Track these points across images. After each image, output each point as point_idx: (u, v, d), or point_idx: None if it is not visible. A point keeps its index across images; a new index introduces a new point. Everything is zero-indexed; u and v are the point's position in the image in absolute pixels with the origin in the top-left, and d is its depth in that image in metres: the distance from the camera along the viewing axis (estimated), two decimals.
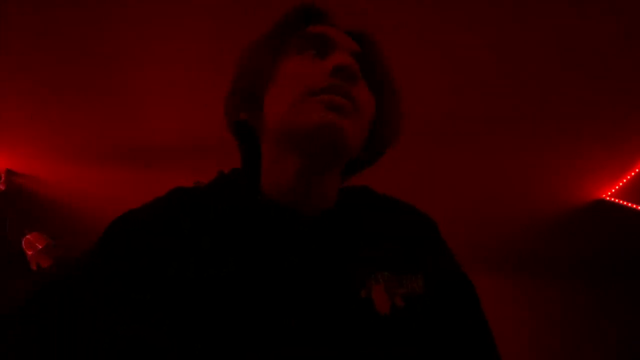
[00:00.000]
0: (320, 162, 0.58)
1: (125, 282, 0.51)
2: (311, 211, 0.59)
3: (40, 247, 2.48)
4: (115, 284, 0.51)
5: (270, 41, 0.62)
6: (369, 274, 0.55)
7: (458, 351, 0.56)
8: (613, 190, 2.62)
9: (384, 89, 0.65)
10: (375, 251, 0.58)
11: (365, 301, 0.52)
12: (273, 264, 0.53)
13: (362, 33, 0.67)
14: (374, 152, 0.66)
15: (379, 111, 0.63)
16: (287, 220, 0.57)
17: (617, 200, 2.65)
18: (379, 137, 0.64)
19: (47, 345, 0.48)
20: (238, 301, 0.50)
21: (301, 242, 0.56)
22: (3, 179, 2.53)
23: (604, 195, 2.67)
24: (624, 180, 2.53)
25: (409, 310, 0.54)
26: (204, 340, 0.48)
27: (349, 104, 0.55)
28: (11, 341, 0.49)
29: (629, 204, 2.63)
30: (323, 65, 0.58)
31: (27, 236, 2.51)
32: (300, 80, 0.57)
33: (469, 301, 0.61)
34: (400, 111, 0.67)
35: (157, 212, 0.59)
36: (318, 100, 0.54)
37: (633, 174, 2.46)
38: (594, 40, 1.68)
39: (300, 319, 0.50)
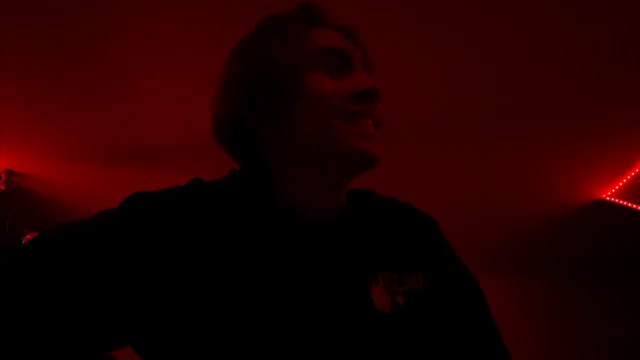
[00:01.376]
0: (349, 178, 0.61)
1: (133, 262, 0.51)
2: (324, 215, 0.61)
3: None
4: (123, 262, 0.51)
5: (289, 50, 0.60)
6: (371, 275, 0.56)
7: (463, 345, 0.57)
8: (613, 190, 2.62)
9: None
10: (377, 253, 0.60)
11: (367, 301, 0.54)
12: (285, 266, 0.54)
13: (351, 30, 0.66)
14: None
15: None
16: (302, 226, 0.59)
17: (617, 200, 2.66)
18: None
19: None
20: (250, 299, 0.50)
21: (314, 246, 0.57)
22: (3, 179, 2.53)
23: (604, 195, 2.67)
24: (624, 180, 2.53)
25: (409, 307, 0.55)
26: (211, 336, 0.48)
27: (376, 129, 0.59)
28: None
29: (629, 204, 2.63)
30: (346, 84, 0.59)
31: (27, 236, 2.51)
32: (330, 100, 0.58)
33: (473, 295, 0.62)
34: None
35: (176, 202, 0.58)
36: (354, 128, 0.57)
37: (633, 174, 2.46)
38: (594, 40, 1.68)
39: (307, 319, 0.51)
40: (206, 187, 0.62)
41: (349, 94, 0.58)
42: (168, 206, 0.56)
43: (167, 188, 0.60)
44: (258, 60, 0.61)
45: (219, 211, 0.57)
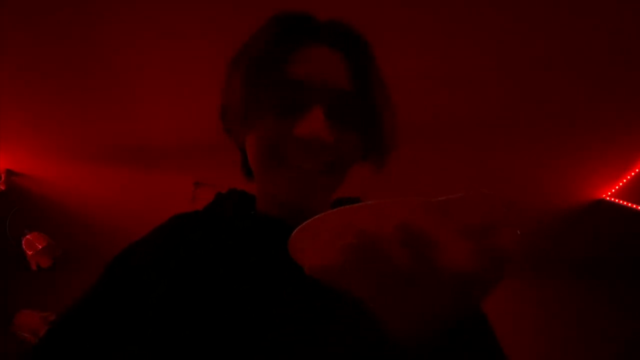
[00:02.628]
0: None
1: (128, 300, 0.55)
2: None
3: (40, 247, 2.49)
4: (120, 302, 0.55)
5: (257, 81, 0.57)
6: None
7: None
8: (613, 190, 2.62)
9: (377, 98, 0.62)
10: None
11: (350, 305, 0.54)
12: (261, 270, 0.54)
13: (351, 34, 0.63)
14: (376, 159, 0.65)
15: (375, 120, 0.62)
16: (276, 231, 0.58)
17: (617, 200, 2.66)
18: (377, 147, 0.64)
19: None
20: (229, 304, 0.51)
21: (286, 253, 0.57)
22: (3, 179, 2.53)
23: (604, 195, 2.67)
24: (624, 180, 2.53)
25: None
26: (197, 337, 0.48)
27: (318, 170, 0.56)
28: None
29: (629, 204, 2.63)
30: (290, 125, 0.55)
31: (27, 236, 2.51)
32: (269, 144, 0.56)
33: None
34: (395, 119, 0.66)
35: (156, 237, 0.62)
36: (281, 174, 0.56)
37: (633, 174, 2.46)
38: (593, 41, 1.68)
39: (286, 317, 0.51)
40: (188, 216, 0.65)
41: (287, 137, 0.55)
42: (157, 239, 0.61)
43: (148, 232, 0.64)
44: (229, 89, 0.62)
45: (205, 229, 0.60)
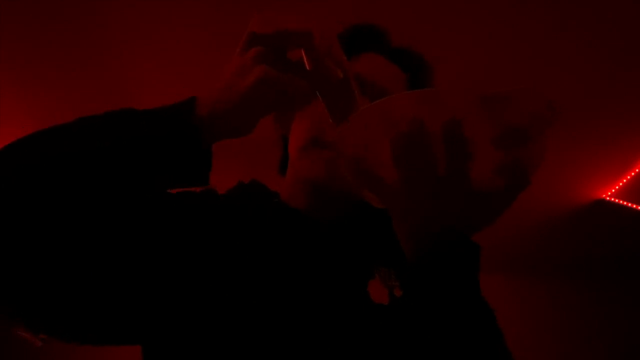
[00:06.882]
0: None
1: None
2: (328, 215, 0.62)
3: None
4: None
5: None
6: (367, 271, 0.57)
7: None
8: (613, 190, 2.62)
9: None
10: (375, 250, 0.60)
11: (363, 295, 0.54)
12: (279, 260, 0.54)
13: (413, 54, 0.70)
14: None
15: None
16: (296, 222, 0.59)
17: (617, 200, 2.65)
18: None
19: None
20: (246, 292, 0.51)
21: (308, 242, 0.58)
22: None
23: (604, 195, 2.67)
24: (624, 180, 2.53)
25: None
26: (208, 321, 0.48)
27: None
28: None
29: (629, 204, 2.63)
30: (321, 116, 0.60)
31: None
32: (311, 127, 0.60)
33: None
34: None
35: (186, 198, 0.60)
36: (320, 154, 0.58)
37: (633, 174, 2.46)
38: (593, 40, 1.68)
39: (302, 312, 0.51)
40: (214, 195, 0.65)
41: (317, 125, 0.60)
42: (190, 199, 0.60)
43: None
44: None
45: (229, 212, 0.59)
